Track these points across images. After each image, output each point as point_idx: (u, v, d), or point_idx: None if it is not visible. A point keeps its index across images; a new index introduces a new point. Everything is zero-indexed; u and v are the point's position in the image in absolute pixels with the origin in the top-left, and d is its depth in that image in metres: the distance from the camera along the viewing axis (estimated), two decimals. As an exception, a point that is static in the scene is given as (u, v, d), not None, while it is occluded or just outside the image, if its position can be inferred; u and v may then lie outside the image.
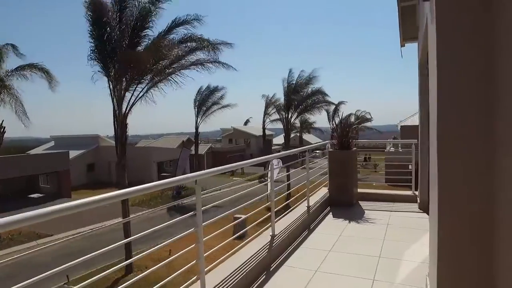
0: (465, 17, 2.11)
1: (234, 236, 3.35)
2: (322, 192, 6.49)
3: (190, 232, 2.55)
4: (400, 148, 28.78)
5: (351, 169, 6.20)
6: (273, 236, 3.96)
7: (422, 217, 5.19)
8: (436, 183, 2.20)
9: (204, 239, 2.64)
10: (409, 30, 6.30)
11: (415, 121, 35.31)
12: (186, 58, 13.11)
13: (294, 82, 24.57)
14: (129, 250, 11.88)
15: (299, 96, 24.57)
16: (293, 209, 5.15)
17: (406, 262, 3.60)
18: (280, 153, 4.71)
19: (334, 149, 6.45)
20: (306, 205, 5.35)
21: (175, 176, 24.45)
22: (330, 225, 5.04)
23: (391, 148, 31.27)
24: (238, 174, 42.85)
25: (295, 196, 5.24)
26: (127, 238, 11.49)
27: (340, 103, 45.31)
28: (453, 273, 2.18)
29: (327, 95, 27.40)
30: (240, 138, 57.46)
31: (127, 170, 12.86)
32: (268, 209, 4.01)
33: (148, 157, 35.27)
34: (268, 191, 4.08)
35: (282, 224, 4.43)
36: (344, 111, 47.27)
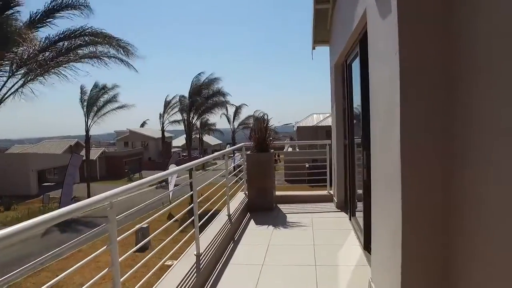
0: (428, 7, 1.95)
1: (158, 266, 2.68)
2: (240, 197, 6.13)
3: (105, 273, 1.84)
4: (297, 148, 30.68)
5: (270, 171, 5.99)
6: (198, 256, 3.39)
7: (341, 217, 5.25)
8: (400, 185, 1.99)
9: (122, 279, 1.96)
10: (321, 33, 6.41)
11: (309, 122, 38.25)
12: (75, 52, 11.23)
13: (198, 83, 23.89)
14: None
15: (202, 97, 23.98)
16: (214, 219, 4.64)
17: (343, 268, 3.45)
18: (206, 157, 4.16)
19: (252, 151, 6.16)
20: (227, 213, 4.91)
21: (63, 185, 21.05)
22: (255, 234, 4.68)
23: (289, 148, 33.13)
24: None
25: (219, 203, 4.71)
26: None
27: (241, 106, 46.32)
28: (420, 278, 2.01)
29: (226, 94, 27.41)
30: (137, 141, 53.86)
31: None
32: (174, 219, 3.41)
33: (24, 165, 30.06)
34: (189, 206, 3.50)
35: (206, 238, 3.89)
36: (244, 112, 48.43)
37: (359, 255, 3.74)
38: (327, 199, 6.23)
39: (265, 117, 6.26)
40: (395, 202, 2.09)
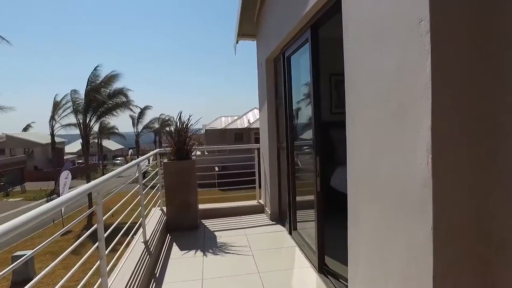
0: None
1: None
2: (156, 215, 5.06)
3: None
4: (206, 152, 29.71)
5: (193, 182, 5.06)
6: (109, 316, 2.34)
7: (279, 231, 4.63)
8: (430, 202, 1.39)
9: None
10: (246, 26, 5.76)
11: (217, 125, 37.65)
12: None
13: (96, 80, 21.00)
14: None
15: (102, 97, 21.22)
16: (128, 252, 3.53)
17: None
18: (116, 170, 3.02)
19: (170, 159, 5.15)
20: (143, 240, 3.85)
21: None
22: (182, 265, 3.72)
23: (198, 152, 31.96)
24: (17, 193, 33.99)
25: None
26: None
27: (145, 108, 43.43)
28: None
29: (129, 95, 25.00)
30: (18, 148, 45.94)
31: None
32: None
33: None
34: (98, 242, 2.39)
35: (118, 282, 2.83)
36: (149, 115, 45.61)
37: (315, 280, 3.13)
38: (258, 210, 5.57)
39: (184, 116, 5.24)
40: (416, 225, 1.48)
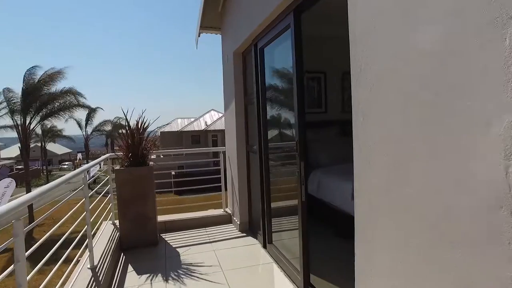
0: None
1: None
2: (107, 231, 4.34)
3: None
4: (161, 155, 28.45)
5: (151, 192, 4.40)
6: None
7: (251, 244, 4.13)
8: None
9: None
10: (210, 18, 5.22)
11: (173, 127, 36.36)
12: None
13: (33, 78, 19.01)
14: None
15: (44, 96, 19.31)
16: (70, 283, 2.84)
17: None
18: (52, 183, 2.32)
19: (123, 165, 4.46)
20: (89, 265, 3.17)
21: None
22: (139, 292, 3.09)
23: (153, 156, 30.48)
24: None
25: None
26: None
27: (95, 109, 40.79)
28: None
29: (81, 95, 23.15)
30: None
31: None
32: None
33: None
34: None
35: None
36: (100, 117, 42.95)
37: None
38: (225, 220, 5.04)
39: (124, 123, 4.58)
40: (483, 263, 1.07)
